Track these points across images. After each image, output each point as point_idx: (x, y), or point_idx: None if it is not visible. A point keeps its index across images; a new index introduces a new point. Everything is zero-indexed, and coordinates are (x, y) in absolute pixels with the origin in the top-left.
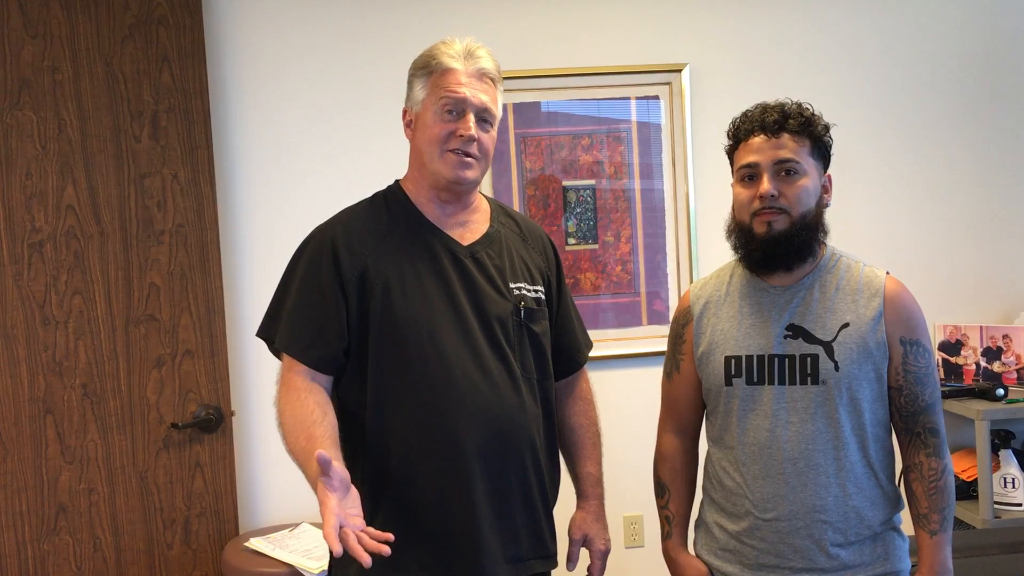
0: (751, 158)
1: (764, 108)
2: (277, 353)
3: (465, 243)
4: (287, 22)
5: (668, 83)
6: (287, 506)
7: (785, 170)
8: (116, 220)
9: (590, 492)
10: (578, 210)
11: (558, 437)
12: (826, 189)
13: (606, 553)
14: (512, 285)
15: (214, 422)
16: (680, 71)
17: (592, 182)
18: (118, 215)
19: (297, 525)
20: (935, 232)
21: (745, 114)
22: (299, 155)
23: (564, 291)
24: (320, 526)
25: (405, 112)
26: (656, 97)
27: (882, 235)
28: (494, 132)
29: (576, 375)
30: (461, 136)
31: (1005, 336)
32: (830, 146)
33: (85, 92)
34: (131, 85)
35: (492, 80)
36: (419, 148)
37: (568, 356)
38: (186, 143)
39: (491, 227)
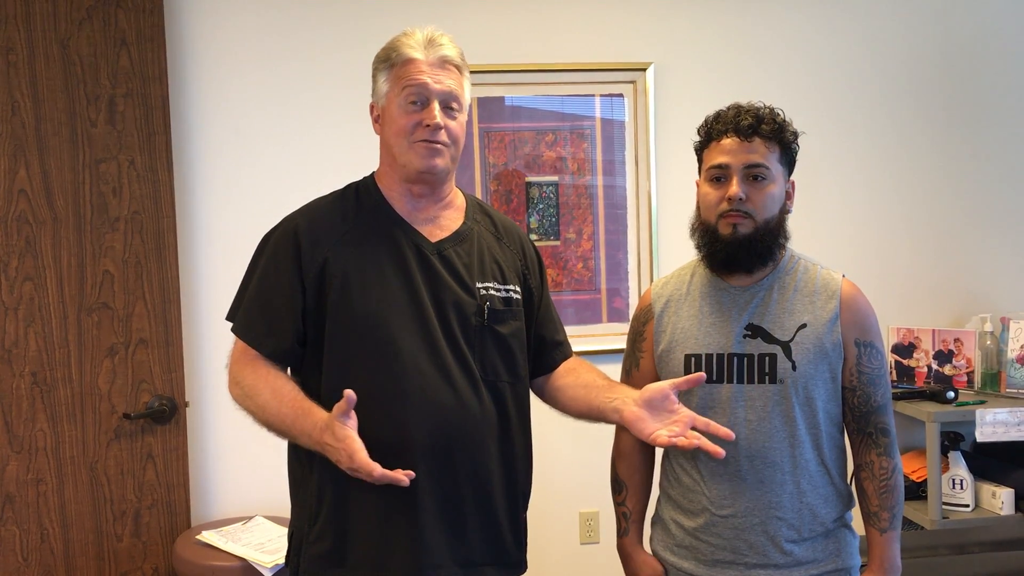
0: (722, 159)
1: (738, 111)
2: None
3: (434, 239)
4: (248, 7)
5: (632, 81)
6: (240, 499)
7: (754, 175)
8: (70, 206)
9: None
10: (540, 206)
11: (567, 403)
12: (789, 195)
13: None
14: (479, 284)
15: (167, 413)
16: (645, 70)
17: (555, 178)
18: (72, 200)
19: (251, 518)
20: (890, 237)
21: (718, 114)
22: (259, 143)
23: (546, 291)
24: (274, 520)
25: (372, 107)
26: (620, 95)
27: (839, 239)
28: (462, 118)
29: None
30: (427, 126)
31: (956, 340)
32: (796, 153)
33: (40, 74)
34: (88, 68)
35: (456, 67)
36: (388, 142)
37: (551, 355)
38: (143, 129)
39: (464, 224)
